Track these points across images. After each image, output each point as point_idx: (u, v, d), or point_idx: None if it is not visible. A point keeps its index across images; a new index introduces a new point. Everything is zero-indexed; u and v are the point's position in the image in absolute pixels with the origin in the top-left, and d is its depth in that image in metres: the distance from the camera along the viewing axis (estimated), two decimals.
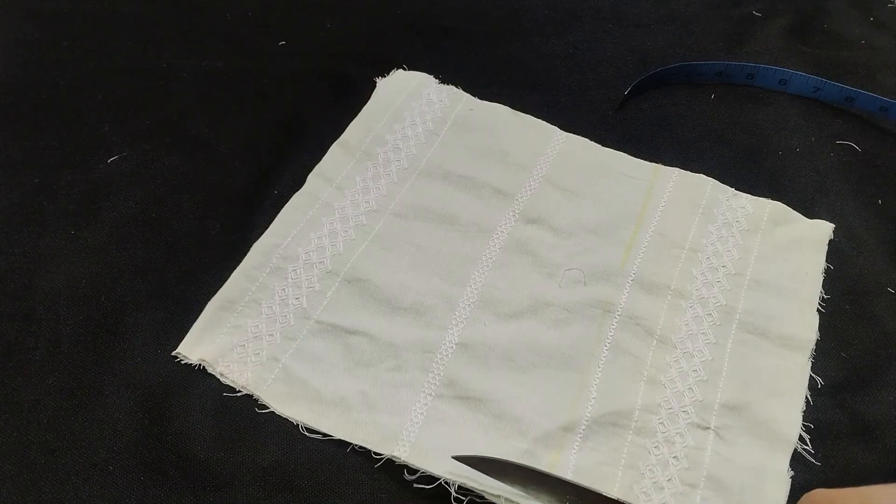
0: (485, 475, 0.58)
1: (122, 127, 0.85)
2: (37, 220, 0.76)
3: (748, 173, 0.83)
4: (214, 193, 0.79)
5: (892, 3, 1.04)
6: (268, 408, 0.64)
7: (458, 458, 0.59)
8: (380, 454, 0.61)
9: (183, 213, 0.78)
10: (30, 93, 0.88)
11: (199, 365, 0.66)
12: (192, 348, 0.67)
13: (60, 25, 0.96)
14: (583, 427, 0.64)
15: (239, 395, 0.65)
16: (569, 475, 0.60)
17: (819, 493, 0.50)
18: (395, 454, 0.61)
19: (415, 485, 0.60)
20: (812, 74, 0.90)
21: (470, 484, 0.59)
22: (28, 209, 0.77)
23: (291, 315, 0.70)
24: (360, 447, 0.62)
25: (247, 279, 0.72)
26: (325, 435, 0.63)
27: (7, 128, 0.84)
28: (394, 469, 0.61)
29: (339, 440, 0.62)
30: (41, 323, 0.68)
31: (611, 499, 0.55)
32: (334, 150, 0.82)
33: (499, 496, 0.59)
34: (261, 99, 0.89)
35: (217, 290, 0.71)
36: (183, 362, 0.66)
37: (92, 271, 0.72)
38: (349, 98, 0.88)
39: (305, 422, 0.63)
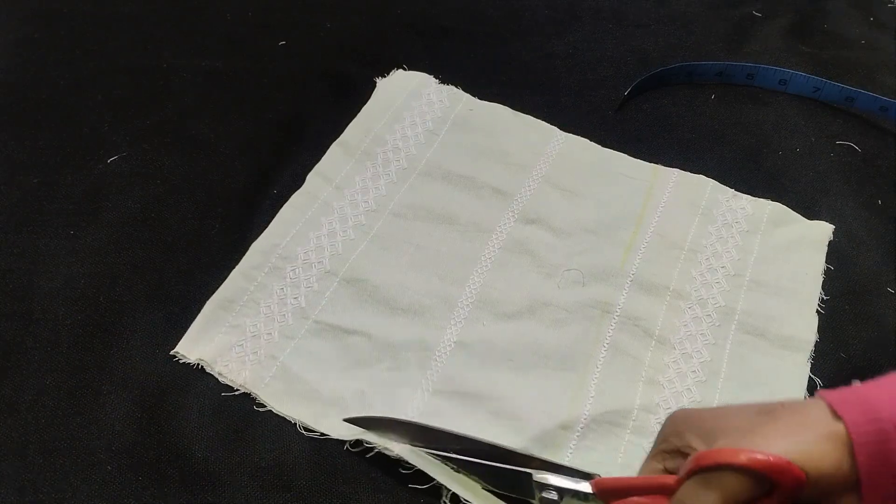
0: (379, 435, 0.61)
1: (122, 127, 0.85)
2: (36, 220, 0.76)
3: (748, 174, 0.83)
4: (214, 193, 0.79)
5: (892, 3, 1.04)
6: (265, 406, 0.64)
7: (350, 420, 0.61)
8: (371, 444, 0.61)
9: (182, 213, 0.78)
10: (30, 93, 0.88)
11: (198, 364, 0.66)
12: (191, 348, 0.67)
13: (60, 25, 0.96)
14: (580, 426, 0.64)
15: (237, 394, 0.65)
16: None
17: (680, 411, 0.52)
18: (387, 448, 0.61)
19: (410, 484, 0.60)
20: (812, 74, 0.90)
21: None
22: (28, 209, 0.77)
23: (290, 314, 0.70)
24: (355, 447, 0.62)
25: (245, 279, 0.72)
26: (322, 434, 0.63)
27: (7, 128, 0.84)
28: (390, 469, 0.61)
29: (337, 441, 0.62)
30: (39, 323, 0.69)
31: (488, 443, 0.57)
32: (334, 149, 0.82)
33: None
34: (261, 99, 0.89)
35: (216, 289, 0.71)
36: (181, 362, 0.67)
37: (91, 271, 0.72)
38: (349, 98, 0.88)
39: (303, 420, 0.63)
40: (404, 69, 0.91)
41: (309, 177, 0.79)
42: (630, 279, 0.73)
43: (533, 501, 0.57)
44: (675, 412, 0.52)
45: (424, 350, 0.68)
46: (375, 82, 0.90)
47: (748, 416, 0.49)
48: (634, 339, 0.69)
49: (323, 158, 0.81)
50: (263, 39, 0.96)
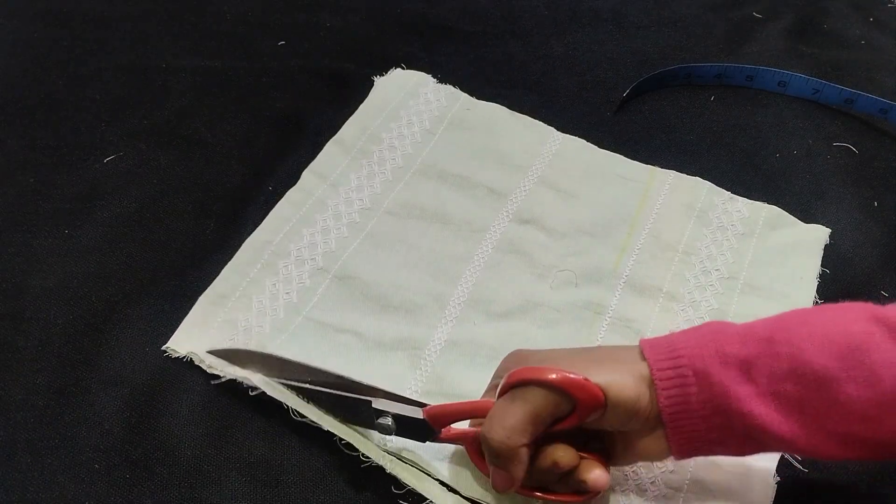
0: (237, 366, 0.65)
1: (120, 126, 0.85)
2: (31, 219, 0.76)
3: (745, 176, 0.82)
4: (210, 192, 0.80)
5: (893, 3, 1.03)
6: (256, 391, 0.63)
7: (212, 352, 0.65)
8: (368, 458, 0.61)
9: (178, 212, 0.78)
10: (28, 91, 0.88)
11: (187, 359, 0.66)
12: (182, 343, 0.67)
13: (59, 25, 0.96)
14: None
15: (226, 393, 0.65)
16: None
17: (513, 351, 0.58)
18: (383, 463, 0.60)
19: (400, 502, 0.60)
20: (812, 75, 0.90)
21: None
22: (23, 208, 0.77)
23: (281, 309, 0.70)
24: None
25: (237, 274, 0.72)
26: (312, 422, 0.62)
27: (5, 126, 0.85)
28: (377, 467, 0.61)
29: (326, 438, 0.62)
30: (31, 322, 0.69)
31: (337, 374, 0.60)
32: (330, 147, 0.82)
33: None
34: (258, 97, 0.89)
35: (208, 286, 0.71)
36: (172, 358, 0.67)
37: (84, 271, 0.73)
38: (347, 96, 0.88)
39: (292, 404, 0.63)
40: (402, 68, 0.91)
41: (304, 174, 0.80)
42: (623, 280, 0.73)
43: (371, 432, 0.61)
44: (510, 353, 0.58)
45: (415, 349, 0.68)
46: (373, 81, 0.90)
47: (572, 354, 0.55)
48: (626, 340, 0.69)
49: (318, 156, 0.81)
50: (263, 39, 0.96)
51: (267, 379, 0.63)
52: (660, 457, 0.55)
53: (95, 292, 0.71)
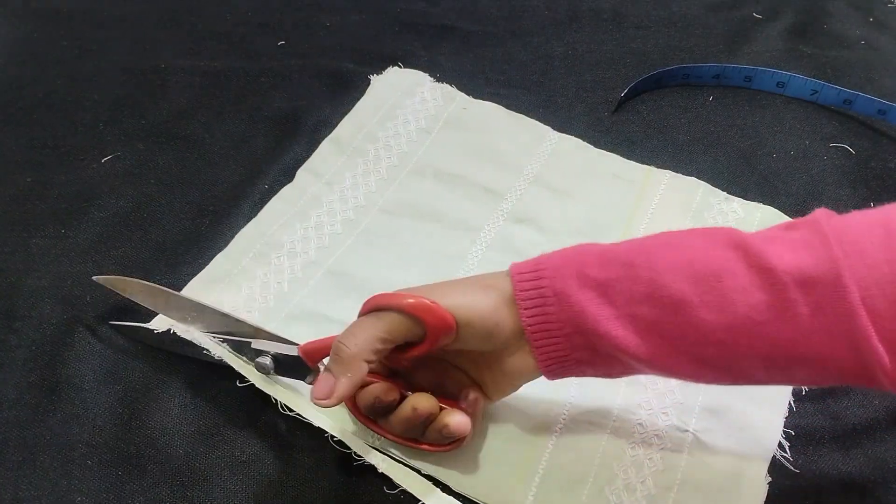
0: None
1: (118, 126, 0.85)
2: (28, 219, 0.77)
3: (742, 176, 0.82)
4: (207, 191, 0.80)
5: (893, 3, 1.03)
6: (245, 382, 0.63)
7: (98, 279, 0.67)
8: (360, 457, 0.61)
9: (175, 212, 0.78)
10: (27, 91, 0.89)
11: (174, 333, 0.66)
12: (163, 323, 0.67)
13: (60, 25, 0.97)
14: (559, 425, 0.63)
15: (218, 394, 0.65)
16: (540, 471, 0.61)
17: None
18: (376, 462, 0.60)
19: (386, 488, 0.60)
20: (811, 76, 0.90)
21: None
22: (21, 208, 0.78)
23: (272, 297, 0.70)
24: (338, 443, 0.62)
25: (229, 262, 0.72)
26: (298, 415, 0.62)
27: (3, 126, 0.85)
28: (370, 466, 0.60)
29: (317, 436, 0.62)
30: (25, 320, 0.69)
31: (220, 312, 0.63)
32: (325, 145, 0.83)
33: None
34: (256, 97, 0.89)
35: None
36: (165, 358, 0.67)
37: (79, 270, 0.73)
38: (346, 95, 0.89)
39: (284, 399, 0.63)
40: (399, 67, 0.92)
41: (299, 172, 0.80)
42: None
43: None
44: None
45: None
46: (370, 80, 0.90)
47: (444, 282, 0.57)
48: None
49: (314, 154, 0.82)
50: (262, 39, 0.97)
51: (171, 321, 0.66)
52: (530, 373, 0.57)
53: (90, 292, 0.71)
